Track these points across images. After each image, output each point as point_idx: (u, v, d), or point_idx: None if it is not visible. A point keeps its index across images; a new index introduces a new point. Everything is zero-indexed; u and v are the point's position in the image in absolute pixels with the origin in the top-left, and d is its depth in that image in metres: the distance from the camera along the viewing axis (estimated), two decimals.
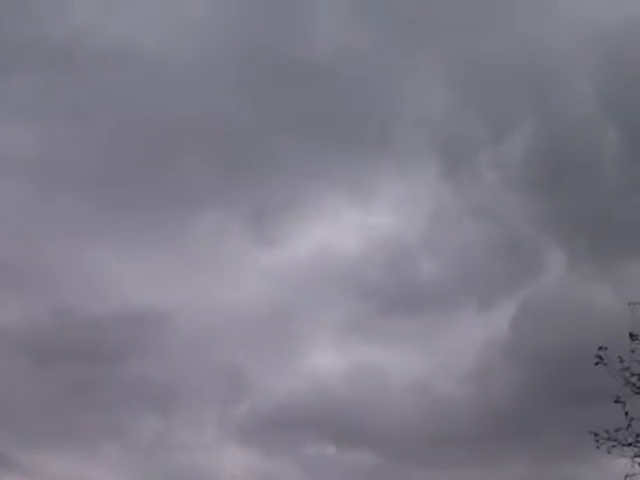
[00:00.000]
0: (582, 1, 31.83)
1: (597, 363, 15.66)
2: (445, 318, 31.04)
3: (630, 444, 15.69)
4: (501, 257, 31.37)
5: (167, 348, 30.03)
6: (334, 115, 32.84)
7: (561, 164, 31.07)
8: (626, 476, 15.82)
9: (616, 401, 15.67)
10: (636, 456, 15.68)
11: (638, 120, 28.35)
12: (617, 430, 15.65)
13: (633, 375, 15.62)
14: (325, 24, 32.99)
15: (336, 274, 31.76)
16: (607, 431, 15.73)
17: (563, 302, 29.92)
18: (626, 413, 15.64)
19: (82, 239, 31.19)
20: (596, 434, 15.78)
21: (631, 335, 15.66)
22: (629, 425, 15.57)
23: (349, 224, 32.47)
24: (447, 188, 32.10)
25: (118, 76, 32.27)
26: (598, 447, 15.81)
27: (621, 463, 15.76)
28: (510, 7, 32.16)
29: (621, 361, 15.60)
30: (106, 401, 29.27)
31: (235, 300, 30.95)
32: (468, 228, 31.86)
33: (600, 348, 15.75)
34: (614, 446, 15.71)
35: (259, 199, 32.14)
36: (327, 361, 30.94)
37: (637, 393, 15.60)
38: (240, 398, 30.09)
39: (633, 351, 15.60)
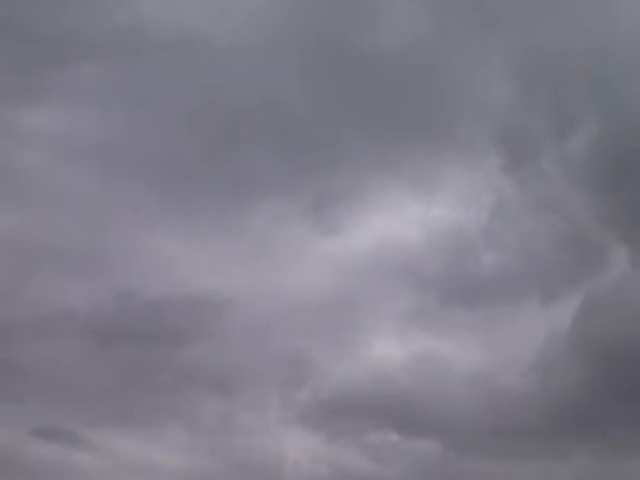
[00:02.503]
0: None
1: None
2: (507, 311, 30.90)
3: None
4: (564, 251, 31.17)
5: (228, 333, 30.16)
6: (398, 105, 32.77)
7: (627, 160, 30.84)
8: None
9: None
10: None
11: None
12: None
13: None
14: (389, 14, 33.01)
15: (397, 264, 31.68)
16: None
17: (627, 296, 29.74)
18: None
19: (145, 224, 31.37)
20: None
21: None
22: None
23: (411, 215, 32.37)
24: (510, 181, 31.94)
25: (182, 65, 32.49)
26: None
27: None
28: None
29: None
30: (168, 384, 29.48)
31: (295, 287, 30.97)
32: (531, 222, 31.68)
33: None
34: None
35: (321, 188, 32.16)
36: (388, 350, 30.90)
37: None
38: (302, 384, 30.18)
39: None
